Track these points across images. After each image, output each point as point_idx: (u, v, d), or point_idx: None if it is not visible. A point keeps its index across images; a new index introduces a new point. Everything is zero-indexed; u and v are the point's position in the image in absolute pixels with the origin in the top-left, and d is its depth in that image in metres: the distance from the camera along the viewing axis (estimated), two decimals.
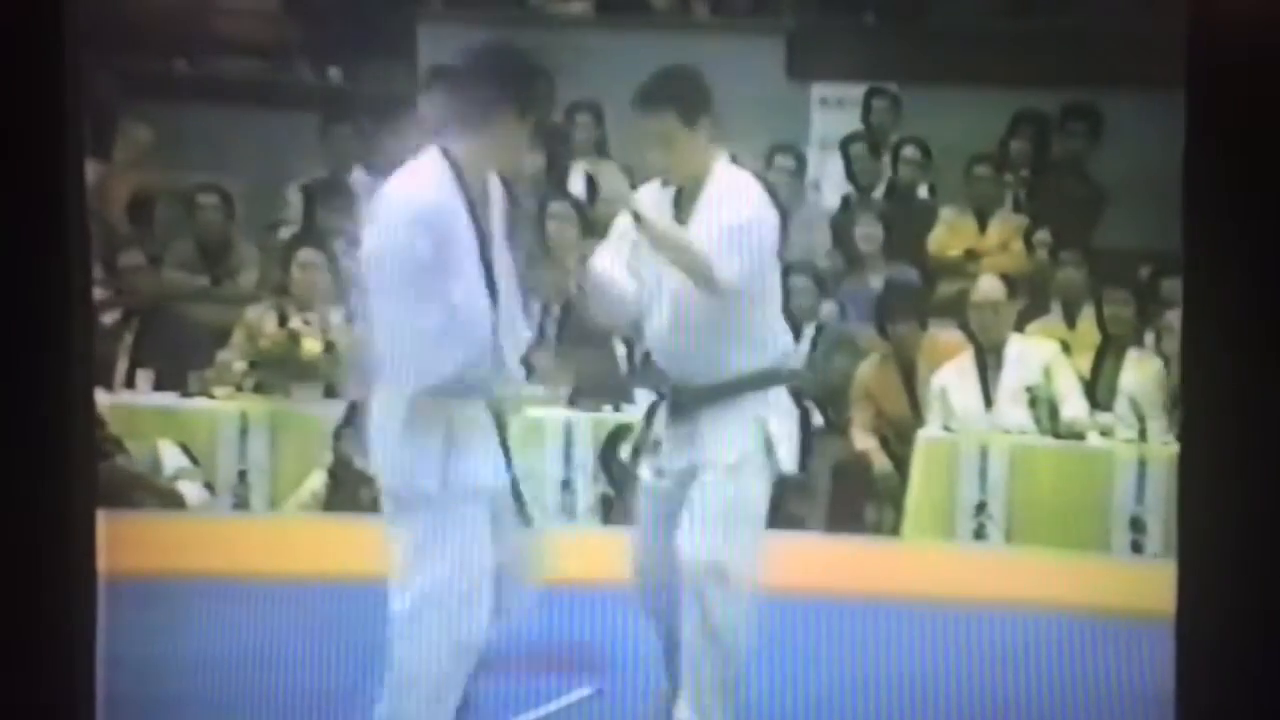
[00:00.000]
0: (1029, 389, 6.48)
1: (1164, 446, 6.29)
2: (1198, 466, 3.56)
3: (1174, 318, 6.34)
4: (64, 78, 3.64)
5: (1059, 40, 6.96)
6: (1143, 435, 6.51)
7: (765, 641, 5.05)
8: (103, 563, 4.53)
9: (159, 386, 6.54)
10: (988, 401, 6.55)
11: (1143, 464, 6.27)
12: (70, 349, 3.77)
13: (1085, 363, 6.78)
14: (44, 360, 3.76)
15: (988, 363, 6.56)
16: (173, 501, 6.26)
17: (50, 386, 3.77)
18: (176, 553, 5.73)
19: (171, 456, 6.31)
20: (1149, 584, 5.27)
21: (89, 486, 3.91)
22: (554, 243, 6.66)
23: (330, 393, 6.39)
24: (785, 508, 5.90)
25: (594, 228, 6.67)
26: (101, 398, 6.17)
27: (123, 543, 5.08)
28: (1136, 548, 6.21)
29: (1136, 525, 6.15)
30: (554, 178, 6.91)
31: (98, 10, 5.17)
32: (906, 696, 5.09)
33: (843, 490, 6.46)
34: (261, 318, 6.71)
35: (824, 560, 5.87)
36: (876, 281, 7.00)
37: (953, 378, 6.60)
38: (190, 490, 6.31)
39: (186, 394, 6.54)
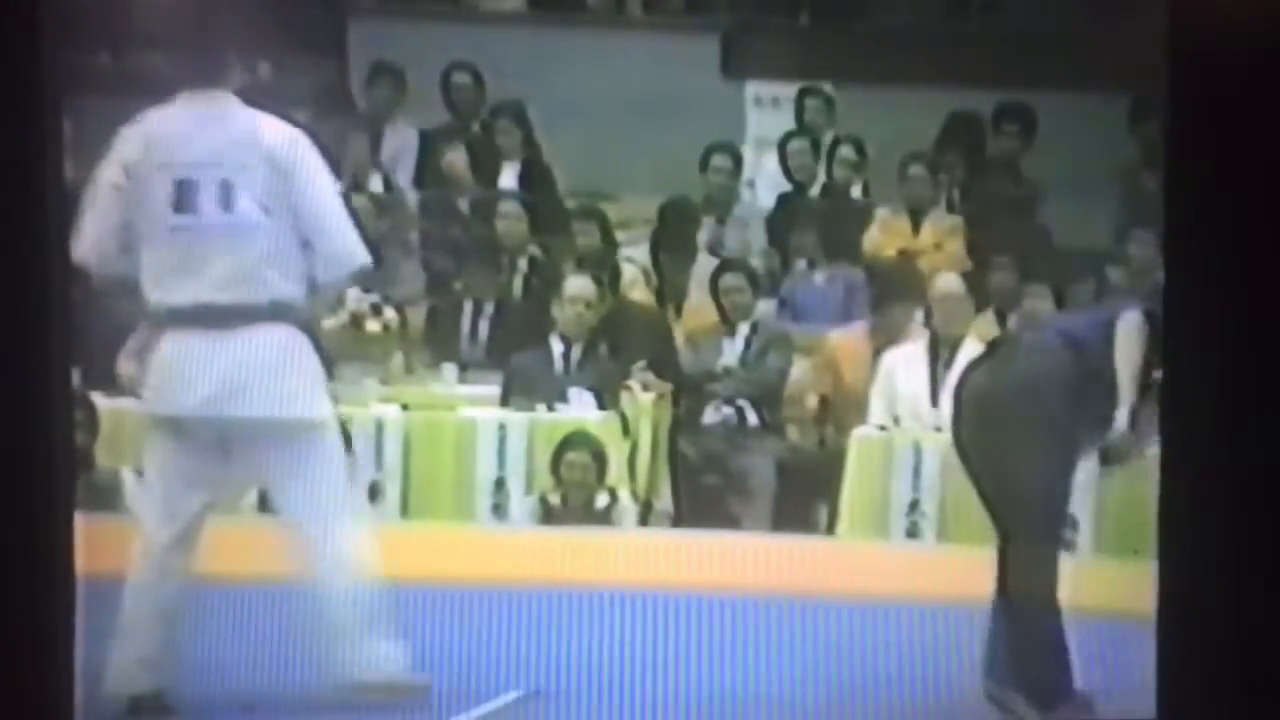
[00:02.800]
0: None
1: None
2: (1177, 465, 3.54)
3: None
4: (41, 67, 3.55)
5: (993, 41, 7.00)
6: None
7: (706, 639, 5.20)
8: (81, 564, 4.63)
9: (86, 384, 6.15)
10: (934, 396, 6.60)
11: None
12: (49, 351, 3.64)
13: None
14: (22, 362, 3.62)
15: (940, 355, 6.61)
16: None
17: (29, 388, 3.63)
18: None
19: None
20: (1080, 580, 5.67)
21: (68, 489, 3.76)
22: (503, 241, 6.73)
23: None
24: (724, 507, 6.19)
25: (542, 225, 6.83)
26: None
27: (102, 544, 5.21)
28: (1067, 545, 6.03)
29: (1070, 524, 5.99)
30: (482, 176, 6.93)
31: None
32: (845, 692, 5.15)
33: (780, 489, 6.48)
34: None
35: (761, 559, 5.87)
36: (814, 280, 6.99)
37: (901, 361, 6.64)
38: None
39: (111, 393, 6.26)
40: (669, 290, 6.82)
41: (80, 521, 5.08)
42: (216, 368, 5.14)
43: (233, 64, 6.18)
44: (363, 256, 5.22)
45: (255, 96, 5.65)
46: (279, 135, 5.13)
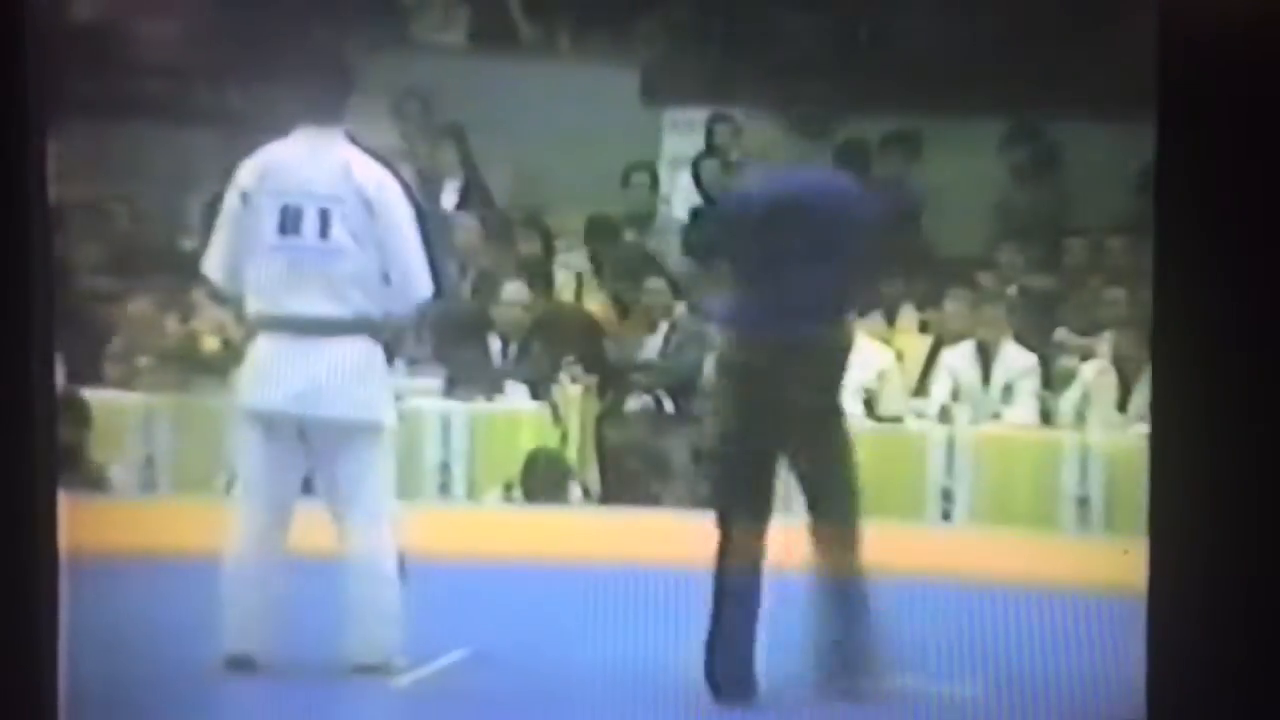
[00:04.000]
0: (865, 389, 6.86)
1: (970, 427, 6.83)
2: (1166, 447, 3.47)
3: (994, 313, 7.11)
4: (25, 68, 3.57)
5: (882, 72, 7.21)
6: (947, 418, 6.90)
7: (627, 609, 5.35)
8: (64, 541, 4.63)
9: (71, 379, 6.54)
10: None
11: (951, 443, 6.73)
12: (31, 332, 3.63)
13: (907, 353, 7.18)
14: (4, 344, 3.63)
15: None
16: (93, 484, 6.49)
17: (11, 369, 3.62)
18: (136, 532, 5.84)
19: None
20: (956, 547, 6.32)
21: (51, 467, 3.74)
22: (461, 248, 7.00)
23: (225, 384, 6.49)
24: (645, 486, 6.52)
25: (490, 236, 7.15)
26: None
27: (85, 522, 5.17)
28: (946, 515, 6.69)
29: (946, 496, 6.65)
30: (429, 190, 7.12)
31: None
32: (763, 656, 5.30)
33: (697, 470, 6.60)
34: (164, 319, 6.93)
35: (680, 533, 5.96)
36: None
37: None
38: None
39: (100, 385, 6.71)
40: (595, 293, 7.10)
41: (69, 504, 5.09)
42: (302, 370, 5.44)
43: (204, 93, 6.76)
44: (427, 290, 5.52)
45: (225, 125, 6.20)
46: (370, 175, 5.46)
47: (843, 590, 5.37)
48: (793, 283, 5.35)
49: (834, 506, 5.43)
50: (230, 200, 5.44)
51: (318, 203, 5.43)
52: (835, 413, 5.49)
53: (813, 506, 5.39)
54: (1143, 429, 5.80)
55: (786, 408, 5.37)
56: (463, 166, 7.34)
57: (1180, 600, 3.49)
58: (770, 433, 5.39)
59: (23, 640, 3.75)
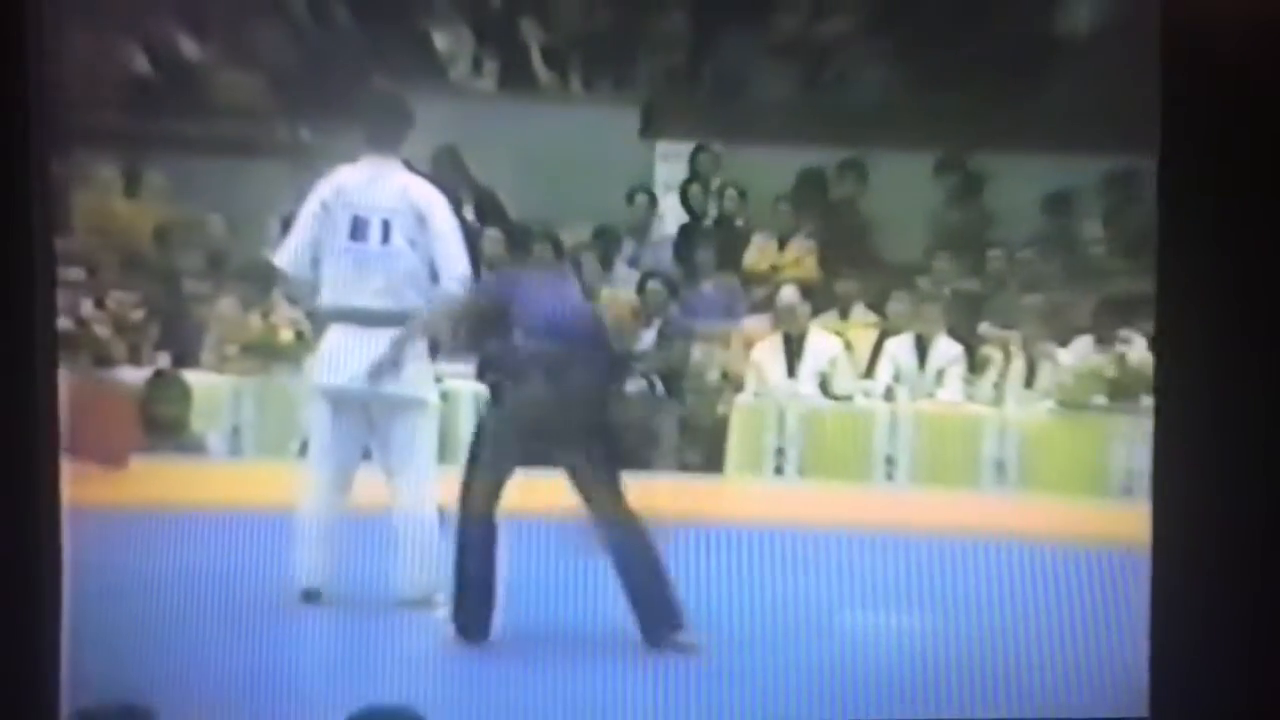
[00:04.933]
0: (820, 373, 7.36)
1: (909, 404, 7.20)
2: (1172, 421, 3.38)
3: (930, 311, 7.45)
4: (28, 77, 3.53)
5: (837, 112, 7.58)
6: (890, 396, 7.29)
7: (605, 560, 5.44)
8: (168, 495, 5.44)
9: (175, 364, 7.15)
10: (790, 373, 7.31)
11: (893, 418, 7.12)
12: (34, 296, 3.58)
13: (858, 343, 7.52)
14: (7, 296, 3.58)
15: (792, 347, 7.31)
16: (194, 448, 6.99)
17: (14, 326, 3.55)
18: (226, 488, 6.39)
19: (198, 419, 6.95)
20: (897, 504, 6.74)
21: (53, 422, 3.71)
22: (488, 255, 7.11)
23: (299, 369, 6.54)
24: (638, 453, 6.60)
25: (519, 243, 7.17)
26: (133, 373, 7.00)
27: (184, 480, 6.08)
28: (889, 476, 7.01)
29: (890, 461, 7.03)
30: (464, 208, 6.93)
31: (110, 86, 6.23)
32: (714, 611, 5.45)
33: (681, 441, 6.90)
34: (249, 315, 7.23)
35: (669, 493, 6.33)
36: (708, 287, 7.46)
37: (765, 354, 7.34)
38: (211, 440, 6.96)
39: (198, 369, 7.12)
40: (600, 292, 6.79)
41: (172, 465, 6.03)
42: (366, 353, 5.71)
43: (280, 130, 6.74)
44: (469, 282, 5.76)
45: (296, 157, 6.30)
46: (422, 193, 5.77)
47: (625, 539, 5.42)
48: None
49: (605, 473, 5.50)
50: (310, 206, 5.73)
51: (382, 214, 5.68)
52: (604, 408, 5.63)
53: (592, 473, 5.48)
54: (1048, 403, 6.88)
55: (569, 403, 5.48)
56: (487, 190, 7.43)
57: (1183, 562, 3.38)
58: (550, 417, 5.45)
59: (27, 588, 3.64)
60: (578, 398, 5.53)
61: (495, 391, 5.65)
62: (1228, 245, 3.30)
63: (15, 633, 3.56)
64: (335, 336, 5.67)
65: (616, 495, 5.45)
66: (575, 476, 5.45)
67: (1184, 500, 3.35)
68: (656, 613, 5.41)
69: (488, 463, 5.47)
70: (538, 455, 5.51)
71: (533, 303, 5.62)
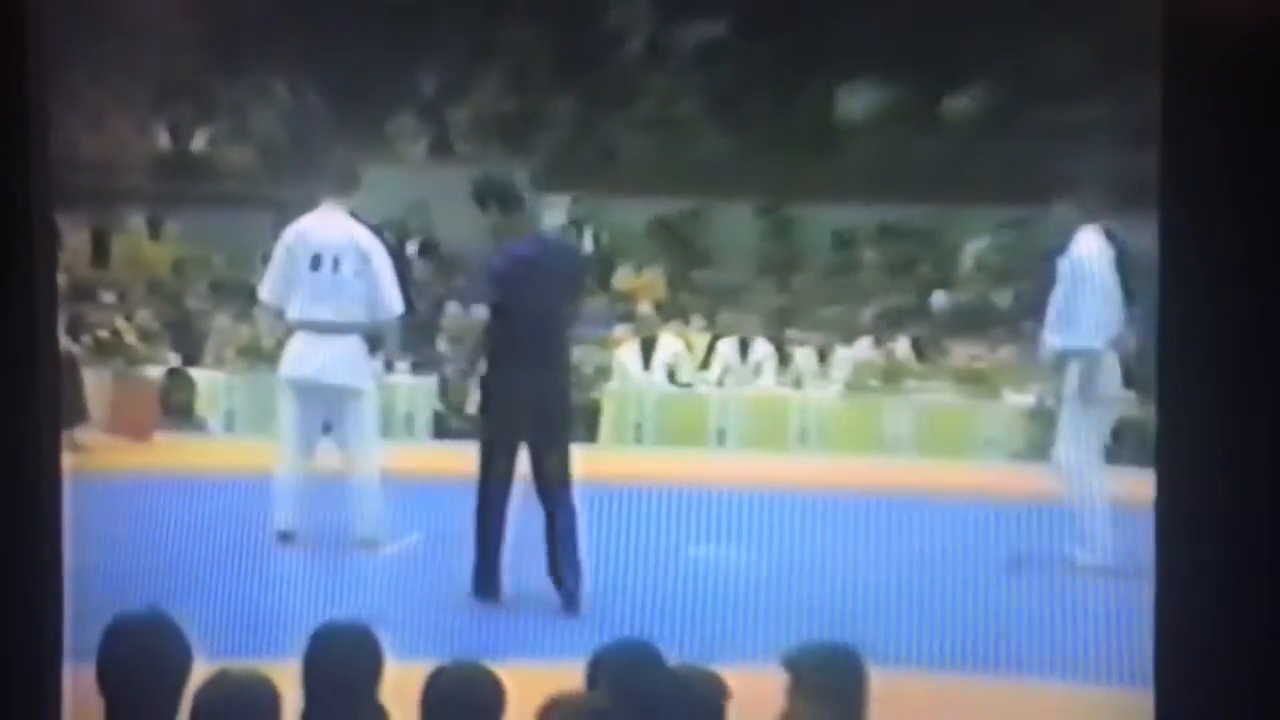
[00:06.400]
0: (668, 367, 8.61)
1: (735, 389, 8.38)
2: (1175, 421, 3.16)
3: (750, 320, 8.37)
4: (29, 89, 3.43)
5: (681, 170, 8.79)
6: (721, 383, 8.59)
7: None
8: (175, 463, 6.07)
9: (185, 363, 8.56)
10: (646, 367, 8.63)
11: (724, 400, 8.39)
12: (35, 281, 3.44)
13: (696, 345, 8.69)
14: (9, 280, 3.43)
15: (647, 348, 8.62)
16: (198, 428, 8.26)
17: (15, 311, 3.41)
18: (223, 457, 7.18)
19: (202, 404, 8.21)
20: (728, 467, 7.50)
21: (54, 402, 3.56)
22: (418, 279, 8.26)
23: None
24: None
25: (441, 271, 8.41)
26: (154, 370, 8.27)
27: (190, 452, 6.88)
28: (721, 443, 8.22)
29: (720, 432, 8.27)
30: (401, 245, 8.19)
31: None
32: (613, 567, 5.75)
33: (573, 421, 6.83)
34: (239, 326, 8.58)
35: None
36: (592, 304, 8.13)
37: (627, 354, 8.74)
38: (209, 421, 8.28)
39: (201, 367, 8.59)
40: None
41: (179, 440, 6.95)
42: (321, 354, 6.33)
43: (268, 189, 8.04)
44: (400, 307, 6.37)
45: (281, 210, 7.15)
46: (364, 236, 6.42)
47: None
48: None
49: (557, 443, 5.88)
50: (280, 249, 6.41)
51: (334, 251, 6.32)
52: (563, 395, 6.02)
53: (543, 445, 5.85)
54: (837, 387, 8.28)
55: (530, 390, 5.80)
56: (422, 231, 8.91)
57: (1190, 571, 3.18)
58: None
59: (28, 554, 3.51)
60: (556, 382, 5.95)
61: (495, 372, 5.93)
62: (1231, 245, 3.14)
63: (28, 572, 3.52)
64: (298, 341, 6.35)
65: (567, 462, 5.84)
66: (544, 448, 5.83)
67: (1188, 468, 3.19)
68: (576, 572, 5.81)
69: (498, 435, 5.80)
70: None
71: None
